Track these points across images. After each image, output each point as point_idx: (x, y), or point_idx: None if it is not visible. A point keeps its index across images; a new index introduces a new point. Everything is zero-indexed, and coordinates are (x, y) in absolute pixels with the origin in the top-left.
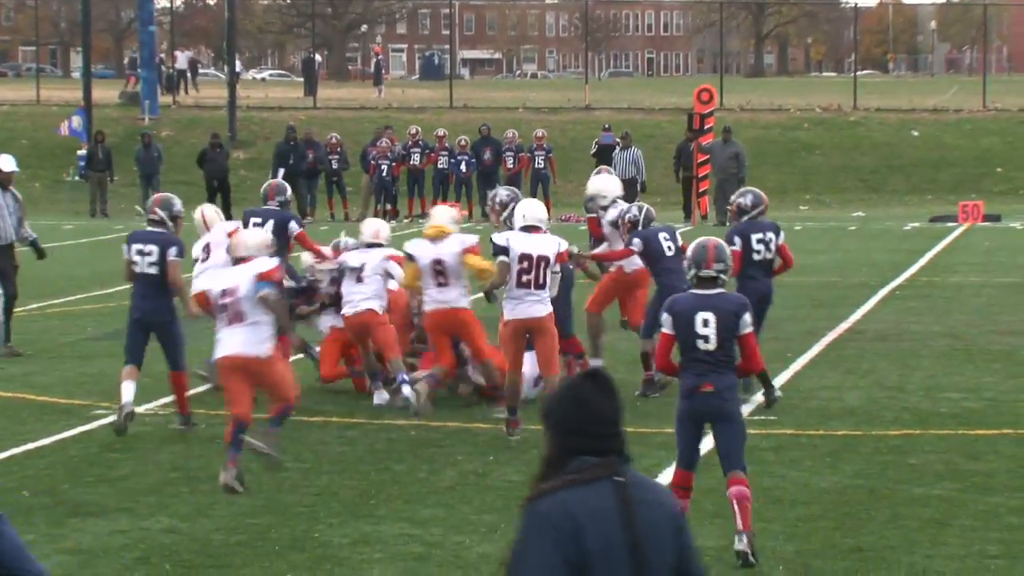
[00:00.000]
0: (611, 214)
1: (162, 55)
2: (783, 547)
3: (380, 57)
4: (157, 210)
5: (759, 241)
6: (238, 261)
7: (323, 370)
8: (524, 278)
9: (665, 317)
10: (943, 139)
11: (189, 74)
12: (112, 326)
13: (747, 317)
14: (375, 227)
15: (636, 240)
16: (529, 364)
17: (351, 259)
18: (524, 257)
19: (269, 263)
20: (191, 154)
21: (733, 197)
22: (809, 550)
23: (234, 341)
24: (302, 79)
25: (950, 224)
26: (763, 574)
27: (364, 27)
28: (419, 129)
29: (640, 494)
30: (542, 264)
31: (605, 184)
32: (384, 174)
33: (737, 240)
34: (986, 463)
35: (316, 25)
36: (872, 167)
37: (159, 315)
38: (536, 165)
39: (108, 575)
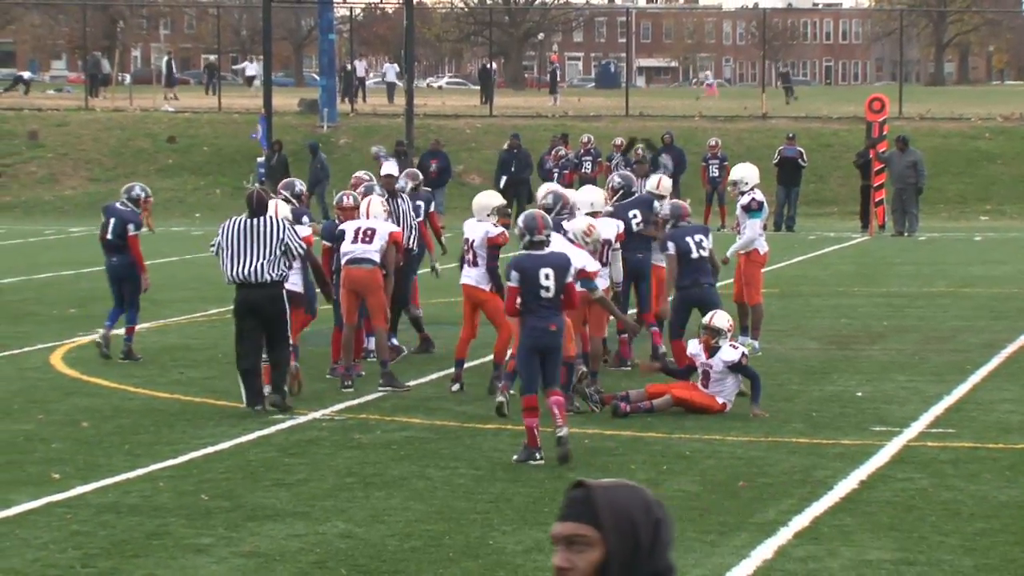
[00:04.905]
0: (743, 200)
1: (357, 61)
2: (961, 561)
3: (556, 65)
4: (282, 191)
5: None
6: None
7: None
8: None
9: (514, 274)
10: None
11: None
12: None
13: (572, 269)
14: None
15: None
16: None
17: None
18: None
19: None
20: (368, 162)
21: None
22: (987, 565)
23: None
24: (478, 87)
25: None
26: None
27: (541, 35)
28: (591, 137)
29: None
30: (604, 246)
31: (749, 171)
32: (557, 181)
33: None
34: None
35: (493, 33)
36: None
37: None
38: (711, 174)
39: None
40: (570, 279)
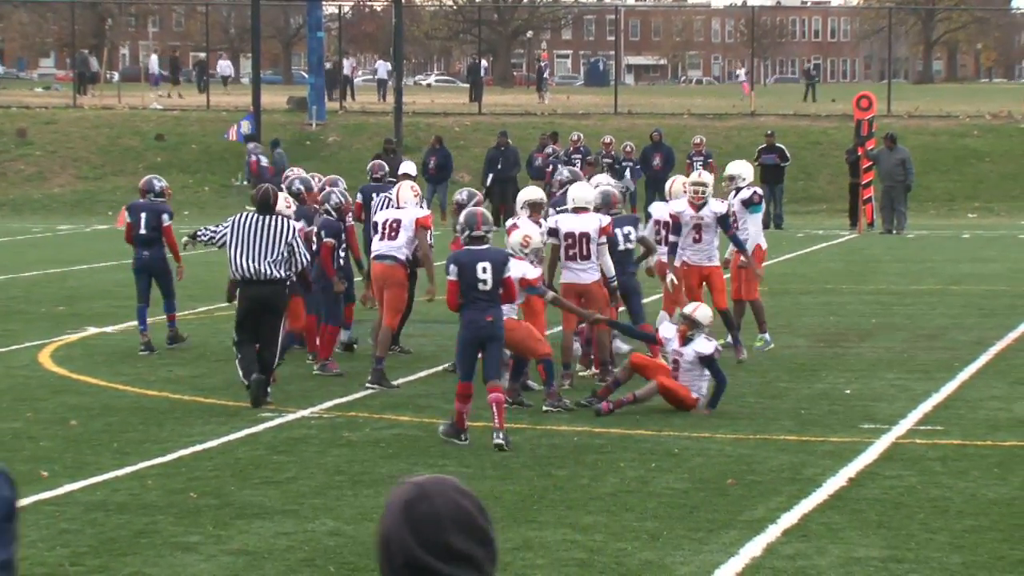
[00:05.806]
0: (744, 194)
1: (344, 59)
2: (949, 558)
3: (544, 63)
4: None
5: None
6: None
7: None
8: (571, 252)
9: (452, 268)
10: None
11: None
12: None
13: (509, 264)
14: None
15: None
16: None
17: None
18: (568, 235)
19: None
20: (356, 159)
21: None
22: (976, 562)
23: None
24: (467, 85)
25: None
26: None
27: (529, 33)
28: (580, 135)
29: None
30: (584, 240)
31: (744, 167)
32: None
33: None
34: None
35: (482, 31)
36: None
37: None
38: (695, 171)
39: None
40: (508, 274)
